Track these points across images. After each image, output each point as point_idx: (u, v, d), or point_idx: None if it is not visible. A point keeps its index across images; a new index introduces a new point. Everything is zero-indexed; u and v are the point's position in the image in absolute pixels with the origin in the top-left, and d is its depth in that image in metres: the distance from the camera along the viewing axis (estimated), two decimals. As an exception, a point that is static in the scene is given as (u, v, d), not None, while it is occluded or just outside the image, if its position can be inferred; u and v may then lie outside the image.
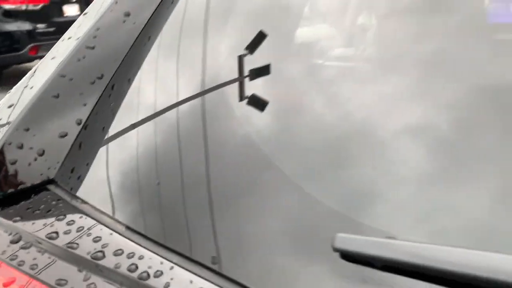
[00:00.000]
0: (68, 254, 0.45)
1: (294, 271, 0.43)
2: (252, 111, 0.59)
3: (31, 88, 0.58)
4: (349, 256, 0.37)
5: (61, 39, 0.65)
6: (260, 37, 0.66)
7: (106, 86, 0.59)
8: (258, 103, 0.59)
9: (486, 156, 0.51)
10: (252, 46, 0.64)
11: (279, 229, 0.46)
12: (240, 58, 0.62)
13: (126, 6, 0.63)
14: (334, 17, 0.96)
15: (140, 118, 0.59)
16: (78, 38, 0.61)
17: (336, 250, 0.37)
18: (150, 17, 0.64)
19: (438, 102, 0.67)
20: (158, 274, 0.41)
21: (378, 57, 0.83)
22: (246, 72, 0.62)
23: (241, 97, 0.60)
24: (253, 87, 0.61)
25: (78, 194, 0.53)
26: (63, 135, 0.56)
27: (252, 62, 0.63)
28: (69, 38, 0.63)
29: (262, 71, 0.62)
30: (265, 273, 0.43)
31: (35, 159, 0.54)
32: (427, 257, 0.35)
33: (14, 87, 0.63)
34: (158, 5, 0.65)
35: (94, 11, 0.65)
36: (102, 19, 0.62)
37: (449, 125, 0.59)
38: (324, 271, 0.42)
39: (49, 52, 0.64)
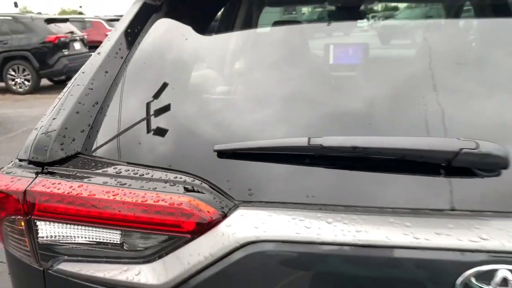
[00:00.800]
0: (105, 174, 1.02)
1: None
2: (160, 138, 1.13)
3: (64, 109, 1.14)
4: (222, 154, 1.01)
5: (73, 85, 1.21)
6: (163, 86, 1.26)
7: (99, 108, 1.17)
8: (162, 132, 1.14)
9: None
10: (158, 93, 1.21)
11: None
12: (148, 104, 1.18)
13: (106, 68, 1.23)
14: (218, 65, 1.55)
15: (115, 124, 1.18)
16: (83, 84, 1.18)
17: (215, 151, 1.01)
18: (117, 73, 1.24)
19: (294, 124, 1.10)
20: (150, 174, 1.00)
21: (247, 92, 1.37)
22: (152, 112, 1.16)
23: (149, 129, 1.15)
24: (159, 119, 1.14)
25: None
26: (82, 131, 1.13)
27: (161, 102, 1.20)
28: (77, 84, 1.20)
29: (165, 109, 1.20)
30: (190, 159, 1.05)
31: (71, 143, 1.10)
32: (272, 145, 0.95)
33: (50, 110, 1.17)
34: (121, 67, 1.25)
35: (88, 71, 1.23)
36: (94, 75, 1.21)
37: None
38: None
39: (69, 92, 1.20)
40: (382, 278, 0.82)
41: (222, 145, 0.99)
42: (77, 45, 11.47)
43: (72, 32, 11.48)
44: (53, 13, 54.35)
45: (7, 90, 10.54)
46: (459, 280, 0.77)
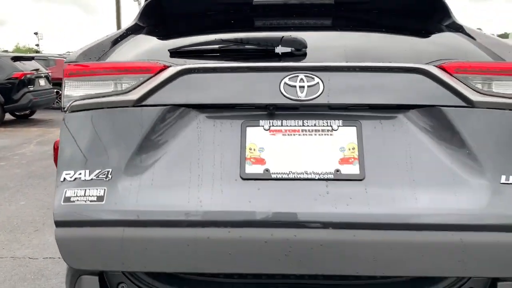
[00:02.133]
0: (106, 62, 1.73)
1: None
2: None
3: (85, 48, 1.82)
4: (173, 52, 1.69)
5: (96, 39, 1.90)
6: (139, 46, 2.00)
7: (103, 54, 1.76)
8: (144, 51, 1.82)
9: None
10: (135, 45, 1.91)
11: None
12: (128, 49, 1.85)
13: (111, 39, 1.94)
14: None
15: (113, 56, 1.74)
16: (99, 41, 1.86)
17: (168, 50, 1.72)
18: (114, 42, 1.95)
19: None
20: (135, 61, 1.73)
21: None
22: None
23: (134, 51, 1.83)
24: None
25: None
26: (95, 58, 1.68)
27: None
28: (96, 40, 1.90)
29: (140, 48, 1.87)
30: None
31: (89, 59, 1.66)
32: None
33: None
34: (116, 42, 1.96)
35: (102, 40, 1.91)
36: (104, 40, 1.90)
37: None
38: None
39: (92, 42, 1.89)
40: (246, 87, 1.56)
41: (174, 48, 1.72)
42: (42, 82, 11.98)
43: (37, 69, 11.99)
44: (7, 50, 53.26)
45: (-30, 124, 10.79)
46: (283, 81, 1.52)
